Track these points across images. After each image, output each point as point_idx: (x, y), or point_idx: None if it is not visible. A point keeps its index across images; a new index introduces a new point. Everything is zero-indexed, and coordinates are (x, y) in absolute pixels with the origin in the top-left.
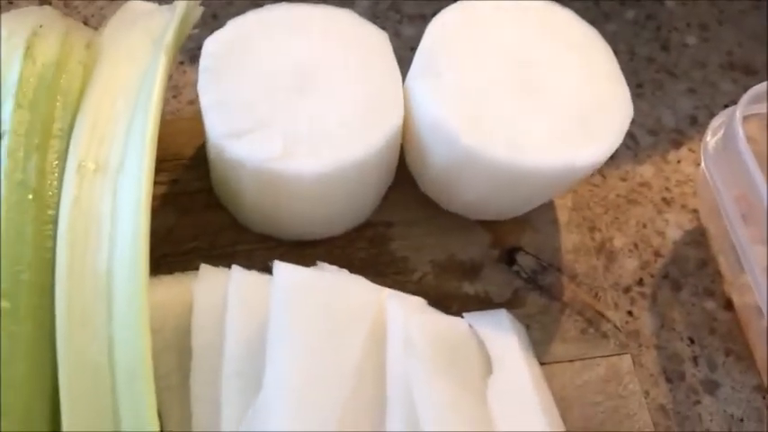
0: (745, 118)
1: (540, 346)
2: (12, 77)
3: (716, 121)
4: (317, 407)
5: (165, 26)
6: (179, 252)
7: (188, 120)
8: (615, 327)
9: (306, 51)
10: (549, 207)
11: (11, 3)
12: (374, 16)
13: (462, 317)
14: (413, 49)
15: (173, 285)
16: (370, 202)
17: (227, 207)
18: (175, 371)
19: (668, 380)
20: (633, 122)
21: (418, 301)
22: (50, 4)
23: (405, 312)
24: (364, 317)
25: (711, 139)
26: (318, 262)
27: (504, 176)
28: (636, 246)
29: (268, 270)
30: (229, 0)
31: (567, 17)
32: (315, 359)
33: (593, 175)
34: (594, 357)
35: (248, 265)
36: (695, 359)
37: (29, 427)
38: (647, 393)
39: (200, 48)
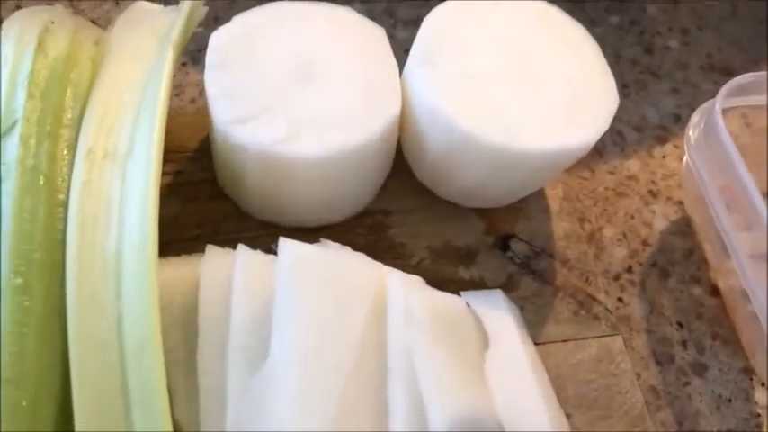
0: (723, 111)
1: (534, 327)
2: (24, 69)
3: (696, 115)
4: (321, 373)
5: (170, 25)
6: (184, 239)
7: (191, 115)
8: (606, 309)
9: (308, 44)
10: (540, 196)
11: (18, 8)
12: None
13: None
14: (406, 51)
15: (179, 266)
16: (369, 189)
17: (230, 196)
18: (182, 346)
19: (658, 362)
20: (619, 120)
21: (417, 279)
22: None
23: (404, 287)
24: (366, 290)
25: (693, 131)
26: (322, 239)
27: (499, 160)
28: (624, 235)
29: (271, 254)
30: (231, 2)
31: (557, 14)
32: (319, 329)
33: (582, 169)
34: (587, 338)
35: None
36: (684, 343)
37: (40, 397)
38: (638, 375)
39: (201, 50)
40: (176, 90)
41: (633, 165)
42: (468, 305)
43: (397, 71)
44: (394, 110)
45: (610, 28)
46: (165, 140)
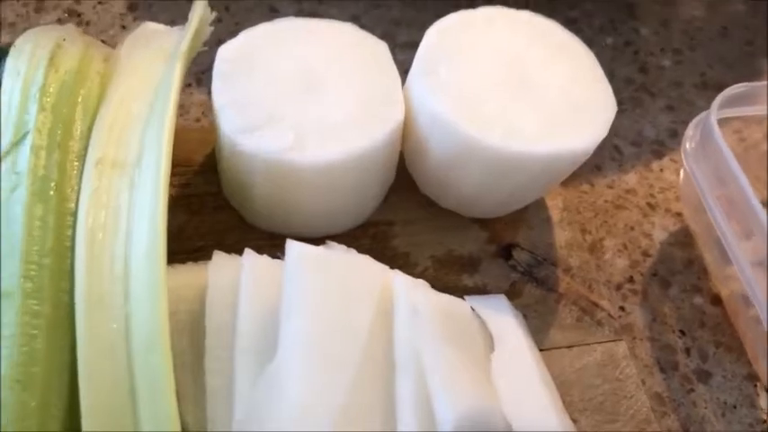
0: (717, 124)
1: (538, 333)
2: (37, 83)
3: (691, 128)
4: (329, 369)
5: (177, 44)
6: (188, 249)
7: (197, 130)
8: (609, 315)
9: (313, 56)
10: (542, 207)
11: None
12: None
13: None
14: (406, 72)
15: (185, 273)
16: (372, 198)
17: (235, 207)
18: (189, 350)
19: (662, 370)
20: (616, 135)
21: (422, 283)
22: None
23: (410, 288)
24: (373, 288)
25: (690, 142)
26: (327, 241)
27: (499, 165)
28: (625, 246)
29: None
30: (236, 24)
31: (553, 26)
32: (326, 324)
33: (581, 183)
34: (591, 344)
35: None
36: (687, 350)
37: (48, 398)
38: (643, 382)
39: (204, 71)
40: (181, 110)
41: (631, 178)
42: (473, 309)
43: (399, 82)
44: (397, 118)
45: (604, 49)
46: (172, 154)
